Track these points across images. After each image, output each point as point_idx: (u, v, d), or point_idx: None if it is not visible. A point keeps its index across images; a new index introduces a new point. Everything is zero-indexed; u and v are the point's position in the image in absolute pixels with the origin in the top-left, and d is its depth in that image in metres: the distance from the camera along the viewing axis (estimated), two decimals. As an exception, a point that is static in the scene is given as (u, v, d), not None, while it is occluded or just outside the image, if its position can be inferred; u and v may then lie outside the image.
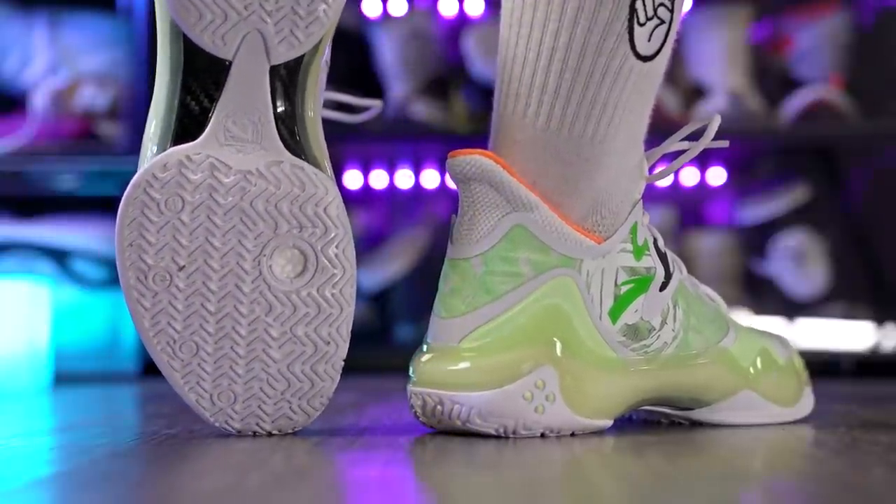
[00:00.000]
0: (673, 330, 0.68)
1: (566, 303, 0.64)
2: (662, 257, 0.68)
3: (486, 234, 0.63)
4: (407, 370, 0.65)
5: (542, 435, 0.63)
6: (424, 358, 0.64)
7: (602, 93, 0.64)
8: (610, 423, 0.66)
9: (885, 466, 0.53)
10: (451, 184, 1.57)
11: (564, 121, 0.64)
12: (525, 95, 0.65)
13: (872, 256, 1.48)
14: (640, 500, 0.46)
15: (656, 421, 0.72)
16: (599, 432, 0.65)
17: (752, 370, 0.71)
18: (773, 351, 0.73)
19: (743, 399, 0.70)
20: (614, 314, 0.66)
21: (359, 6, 1.54)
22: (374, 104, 0.76)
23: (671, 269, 0.69)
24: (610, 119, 0.65)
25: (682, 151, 0.69)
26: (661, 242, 0.69)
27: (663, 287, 0.68)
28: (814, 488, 0.48)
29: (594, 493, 0.48)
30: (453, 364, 0.63)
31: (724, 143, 0.69)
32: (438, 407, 0.63)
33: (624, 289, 0.66)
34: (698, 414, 0.70)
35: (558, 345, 0.64)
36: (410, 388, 0.65)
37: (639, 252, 0.67)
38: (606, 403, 0.65)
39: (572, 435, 0.64)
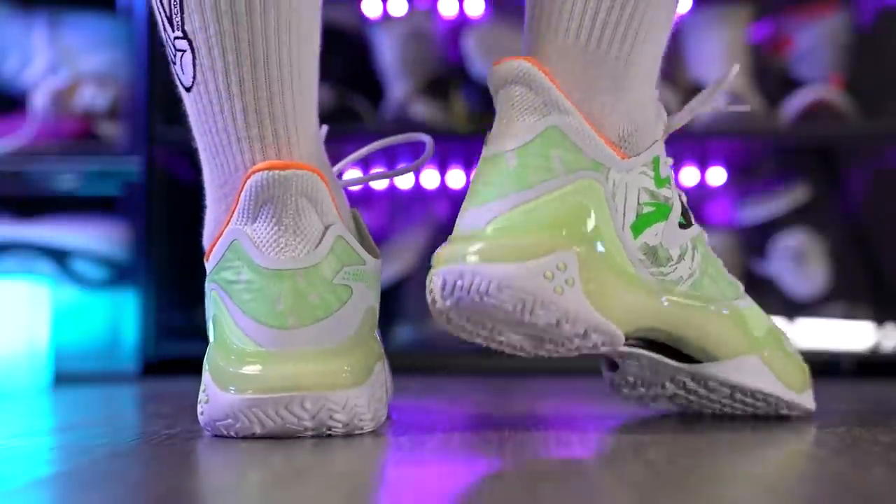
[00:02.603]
0: (689, 268, 0.69)
1: (593, 204, 0.65)
2: (685, 209, 0.71)
3: (522, 132, 0.65)
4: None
5: (557, 324, 0.63)
6: (447, 245, 0.65)
7: (639, 10, 0.66)
8: (621, 335, 0.66)
9: (885, 466, 0.53)
10: (451, 184, 1.57)
11: (602, 42, 0.66)
12: (567, 19, 0.66)
13: (872, 256, 1.48)
14: (640, 500, 0.46)
15: (660, 395, 0.72)
16: (599, 432, 0.65)
17: (762, 340, 0.71)
18: (782, 338, 0.73)
19: (750, 363, 0.71)
20: (636, 229, 0.67)
21: (359, 6, 1.54)
22: (426, 139, 0.75)
23: (692, 220, 0.71)
24: (641, 39, 0.66)
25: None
26: (685, 199, 0.71)
27: (682, 227, 0.69)
28: (814, 488, 0.48)
29: (594, 493, 0.48)
30: (477, 244, 0.63)
31: (746, 108, 0.74)
32: (458, 281, 0.63)
33: (645, 209, 0.67)
34: (703, 368, 0.70)
35: (583, 238, 0.64)
36: (430, 273, 0.65)
37: (660, 182, 0.68)
38: (621, 311, 0.66)
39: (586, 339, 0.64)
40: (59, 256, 1.39)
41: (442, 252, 0.65)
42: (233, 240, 0.64)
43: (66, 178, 1.40)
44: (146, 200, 1.37)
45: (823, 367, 1.39)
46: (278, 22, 0.65)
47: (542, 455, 0.58)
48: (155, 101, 1.38)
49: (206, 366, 0.65)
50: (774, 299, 1.45)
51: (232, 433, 0.62)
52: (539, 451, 0.59)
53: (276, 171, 0.63)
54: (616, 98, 0.67)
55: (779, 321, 1.41)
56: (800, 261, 1.44)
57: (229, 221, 0.64)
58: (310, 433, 0.62)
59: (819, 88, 1.43)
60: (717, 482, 0.50)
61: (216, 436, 0.64)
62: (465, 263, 0.63)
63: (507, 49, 1.44)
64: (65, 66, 1.45)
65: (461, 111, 1.49)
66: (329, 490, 0.48)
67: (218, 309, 0.65)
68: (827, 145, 1.51)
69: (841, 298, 1.43)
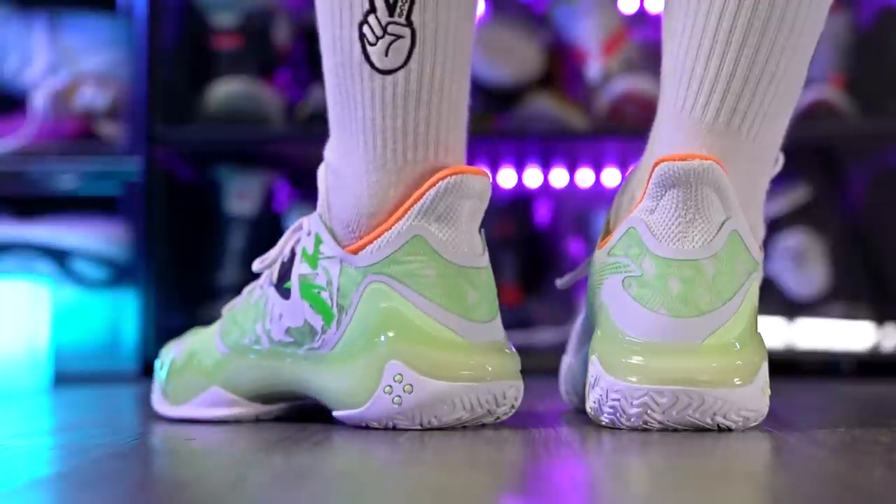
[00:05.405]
0: None
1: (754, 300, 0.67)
2: None
3: (712, 238, 0.64)
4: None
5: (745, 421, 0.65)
6: (659, 356, 0.64)
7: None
8: None
9: (885, 466, 0.53)
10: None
11: (752, 128, 0.68)
12: (731, 107, 0.67)
13: (872, 256, 1.48)
14: (640, 500, 0.46)
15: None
16: (598, 432, 0.65)
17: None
18: None
19: None
20: None
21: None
22: None
23: None
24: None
25: None
26: None
27: None
28: (814, 488, 0.48)
29: (594, 493, 0.48)
30: (703, 362, 0.64)
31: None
32: (692, 403, 0.63)
33: None
34: None
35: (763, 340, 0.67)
36: (642, 385, 0.64)
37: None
38: None
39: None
40: (59, 256, 1.39)
41: (658, 363, 0.64)
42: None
43: (66, 178, 1.40)
44: (146, 200, 1.37)
45: (823, 367, 1.39)
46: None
47: (542, 455, 0.58)
48: (155, 101, 1.38)
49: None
50: (774, 299, 1.45)
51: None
52: (539, 451, 0.59)
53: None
54: (758, 194, 0.70)
55: (779, 321, 1.41)
56: (800, 261, 1.44)
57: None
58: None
59: (819, 88, 1.43)
60: (717, 482, 0.50)
61: (218, 435, 0.63)
62: (701, 387, 0.63)
63: (507, 49, 1.44)
64: (65, 66, 1.45)
65: (461, 111, 1.49)
66: (329, 490, 0.48)
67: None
68: (827, 145, 1.51)
69: (841, 298, 1.43)
